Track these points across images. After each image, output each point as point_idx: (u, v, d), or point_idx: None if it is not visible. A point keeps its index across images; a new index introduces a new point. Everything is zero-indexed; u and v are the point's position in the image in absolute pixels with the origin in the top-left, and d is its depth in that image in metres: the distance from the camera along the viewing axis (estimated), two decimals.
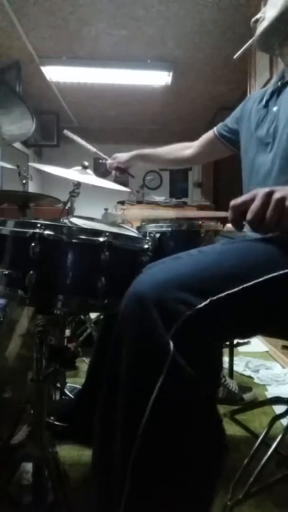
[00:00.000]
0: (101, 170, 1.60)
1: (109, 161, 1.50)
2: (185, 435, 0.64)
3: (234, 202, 0.69)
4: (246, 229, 1.10)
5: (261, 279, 0.70)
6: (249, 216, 0.67)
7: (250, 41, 1.02)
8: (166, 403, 0.62)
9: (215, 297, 0.66)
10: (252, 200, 0.67)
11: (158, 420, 0.62)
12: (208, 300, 0.65)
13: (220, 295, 0.66)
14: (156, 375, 0.61)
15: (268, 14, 0.95)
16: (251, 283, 0.69)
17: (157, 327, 0.62)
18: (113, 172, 1.50)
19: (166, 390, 0.61)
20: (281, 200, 0.64)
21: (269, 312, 0.75)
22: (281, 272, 0.72)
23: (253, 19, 1.00)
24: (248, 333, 0.79)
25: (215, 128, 1.29)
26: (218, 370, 0.72)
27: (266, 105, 1.03)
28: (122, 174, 1.50)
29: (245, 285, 0.69)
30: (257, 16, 0.99)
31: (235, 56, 1.09)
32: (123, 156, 1.46)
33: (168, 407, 0.62)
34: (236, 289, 0.68)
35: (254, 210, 0.66)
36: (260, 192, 0.66)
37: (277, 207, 0.65)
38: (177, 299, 0.64)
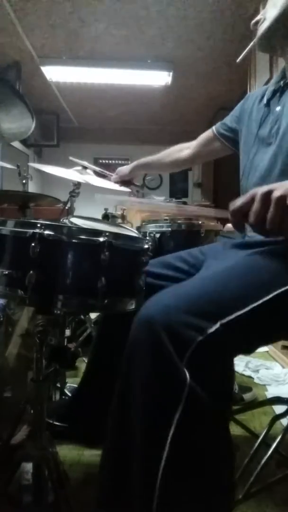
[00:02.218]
0: (101, 174, 1.61)
1: (113, 176, 1.51)
2: (205, 460, 0.64)
3: (233, 206, 0.67)
4: (246, 229, 1.10)
5: (268, 297, 0.70)
6: (251, 219, 0.65)
7: (252, 43, 1.02)
8: (186, 434, 0.61)
9: (224, 320, 0.65)
10: (251, 201, 0.65)
11: (179, 452, 0.61)
12: (218, 324, 0.65)
13: (230, 317, 0.66)
14: (174, 406, 0.61)
15: (268, 14, 0.94)
16: (259, 302, 0.69)
17: (170, 355, 0.61)
18: (120, 185, 1.50)
19: (185, 421, 0.61)
20: (281, 198, 0.62)
21: (279, 326, 0.75)
22: (286, 287, 0.72)
23: (252, 22, 1.00)
24: (258, 347, 0.79)
25: (214, 127, 1.28)
26: (230, 388, 0.72)
27: (268, 105, 1.03)
28: (127, 186, 1.51)
29: (253, 305, 0.69)
30: (257, 18, 0.99)
31: (238, 60, 1.09)
32: (124, 169, 1.47)
33: (188, 437, 0.62)
34: (245, 310, 0.68)
35: (255, 213, 0.64)
36: (259, 192, 0.64)
37: (278, 206, 0.62)
38: (188, 324, 0.63)
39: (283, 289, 0.72)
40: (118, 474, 0.69)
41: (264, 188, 0.64)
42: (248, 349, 0.77)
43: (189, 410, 0.61)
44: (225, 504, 0.67)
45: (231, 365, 0.74)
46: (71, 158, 1.55)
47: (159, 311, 0.66)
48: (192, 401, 0.61)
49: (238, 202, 0.66)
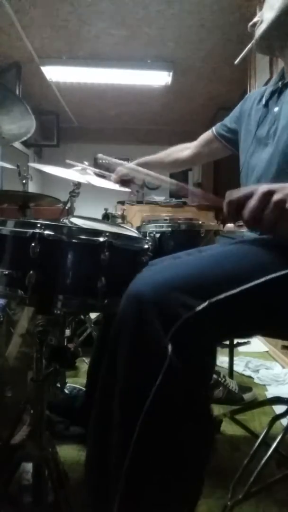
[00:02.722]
0: (101, 175, 1.60)
1: (112, 176, 1.51)
2: (179, 435, 0.65)
3: (230, 197, 0.67)
4: (245, 228, 1.10)
5: (259, 281, 0.70)
6: (246, 215, 0.65)
7: (250, 45, 1.02)
8: (162, 406, 0.62)
9: (213, 299, 0.66)
10: (249, 196, 0.65)
11: (153, 421, 0.62)
12: (206, 302, 0.65)
13: (219, 297, 0.66)
14: (153, 377, 0.61)
15: (266, 16, 0.94)
16: (250, 284, 0.69)
17: (155, 329, 0.62)
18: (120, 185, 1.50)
19: (162, 393, 0.61)
20: (281, 202, 0.62)
21: (268, 313, 0.75)
22: (280, 273, 0.72)
23: (250, 24, 1.00)
24: (246, 334, 0.79)
25: (213, 128, 1.29)
26: (211, 368, 0.72)
27: (266, 105, 1.03)
28: (127, 186, 1.50)
29: (243, 287, 0.68)
30: (254, 20, 0.99)
31: (236, 62, 1.09)
32: (124, 169, 1.46)
33: (164, 409, 0.63)
34: (235, 291, 0.68)
35: (251, 210, 0.64)
36: (259, 190, 0.64)
37: (276, 209, 0.62)
38: (177, 301, 0.64)
39: (274, 275, 0.71)
40: (99, 440, 0.70)
41: (265, 188, 0.64)
42: (233, 334, 0.77)
43: (167, 383, 0.61)
44: (193, 483, 0.68)
45: (214, 348, 0.74)
46: (67, 161, 1.54)
47: (149, 286, 0.66)
48: (170, 375, 0.61)
49: (236, 194, 0.66)
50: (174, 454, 0.64)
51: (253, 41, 1.00)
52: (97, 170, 1.57)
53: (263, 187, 0.64)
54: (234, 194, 0.67)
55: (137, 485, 0.63)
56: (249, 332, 0.81)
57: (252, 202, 0.64)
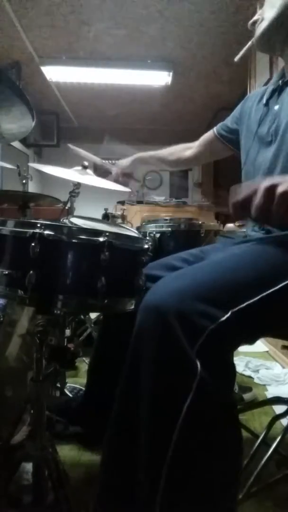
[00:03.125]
0: (101, 170, 1.60)
1: (113, 169, 1.50)
2: (214, 449, 0.63)
3: (235, 198, 0.66)
4: (245, 228, 1.10)
5: (278, 287, 0.70)
6: (254, 213, 0.64)
7: (250, 43, 1.02)
8: (196, 422, 0.61)
9: (235, 309, 0.65)
10: (253, 194, 0.64)
11: (188, 440, 0.61)
12: (229, 313, 0.64)
13: (240, 306, 0.66)
14: (184, 394, 0.60)
15: (267, 14, 0.94)
16: (269, 291, 0.69)
17: (181, 343, 0.60)
18: (120, 178, 1.49)
19: (195, 409, 0.60)
20: (286, 193, 0.61)
21: (286, 315, 0.75)
22: None
23: (250, 22, 1.00)
24: (265, 336, 0.79)
25: (214, 128, 1.29)
26: (235, 372, 0.72)
27: (267, 104, 1.03)
28: (127, 179, 1.50)
29: (264, 294, 0.68)
30: (254, 18, 0.99)
31: (235, 59, 1.09)
32: (125, 162, 1.46)
33: (198, 426, 0.61)
34: (255, 299, 0.67)
35: (259, 207, 0.63)
36: (262, 186, 0.63)
37: (283, 202, 0.62)
38: (199, 311, 0.62)
39: None
40: (123, 466, 0.68)
41: (267, 182, 0.63)
42: (253, 338, 0.77)
43: (199, 400, 0.60)
44: (230, 499, 0.67)
45: (232, 354, 0.74)
46: (69, 145, 1.54)
47: (170, 297, 0.64)
48: (202, 391, 0.60)
49: (240, 195, 0.66)
50: (212, 467, 0.63)
51: (253, 39, 0.99)
52: (98, 159, 1.57)
53: (265, 182, 0.64)
54: (238, 193, 0.66)
55: (176, 505, 0.61)
56: (268, 335, 0.81)
57: (258, 200, 0.63)
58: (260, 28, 0.96)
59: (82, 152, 1.54)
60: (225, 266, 0.75)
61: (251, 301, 0.67)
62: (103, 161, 1.57)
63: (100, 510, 0.71)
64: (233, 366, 0.70)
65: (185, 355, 0.60)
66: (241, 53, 1.07)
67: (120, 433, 0.69)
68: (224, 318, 0.63)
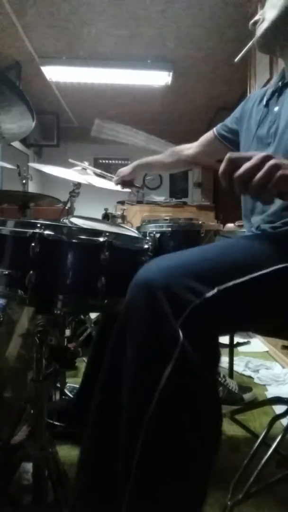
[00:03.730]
0: (102, 176, 1.61)
1: (114, 178, 1.51)
2: (191, 422, 0.65)
3: (230, 154, 0.68)
4: (245, 228, 1.10)
5: (267, 270, 0.71)
6: (239, 171, 0.66)
7: (250, 43, 1.01)
8: (174, 391, 0.62)
9: (222, 287, 0.66)
10: (248, 158, 0.66)
11: (165, 408, 0.62)
12: (215, 290, 0.65)
13: (227, 284, 0.67)
14: (165, 363, 0.61)
15: (267, 15, 0.94)
16: (258, 273, 0.70)
17: (166, 315, 0.62)
18: (120, 186, 1.50)
19: (174, 378, 0.62)
20: (274, 166, 0.64)
21: (274, 303, 0.75)
22: (286, 264, 0.72)
23: (251, 22, 0.99)
24: (252, 324, 0.79)
25: (214, 129, 1.29)
26: (219, 357, 0.73)
27: (267, 105, 1.03)
28: (128, 187, 1.50)
29: (251, 276, 0.69)
30: (255, 18, 0.98)
31: (236, 60, 1.09)
32: (125, 170, 1.46)
33: (176, 395, 0.63)
34: (243, 279, 0.68)
35: (245, 168, 0.65)
36: (259, 154, 0.66)
37: (269, 173, 0.64)
38: (186, 287, 0.64)
39: (282, 265, 0.72)
40: (105, 432, 0.69)
41: (265, 153, 0.66)
42: (241, 323, 0.77)
43: (179, 368, 0.61)
44: (202, 480, 0.67)
45: (220, 333, 0.74)
46: (70, 160, 1.54)
47: (158, 273, 0.66)
48: (182, 359, 0.61)
49: (237, 153, 0.69)
50: (186, 440, 0.64)
51: (254, 39, 0.99)
52: (98, 171, 1.57)
53: (264, 153, 0.66)
54: (234, 154, 0.68)
55: (151, 474, 0.63)
56: (255, 323, 0.81)
57: (249, 162, 0.65)
58: (261, 29, 0.96)
59: (81, 165, 1.54)
60: (217, 249, 0.77)
61: (239, 280, 0.68)
62: (102, 172, 1.58)
63: (82, 480, 0.72)
64: (217, 348, 0.70)
65: (168, 325, 0.62)
66: (241, 54, 1.07)
67: (105, 402, 0.70)
68: (209, 294, 0.64)
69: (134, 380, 0.65)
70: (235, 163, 0.67)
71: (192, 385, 0.64)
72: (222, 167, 0.69)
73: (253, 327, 0.86)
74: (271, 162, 0.65)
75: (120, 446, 0.65)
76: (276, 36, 0.95)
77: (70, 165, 1.53)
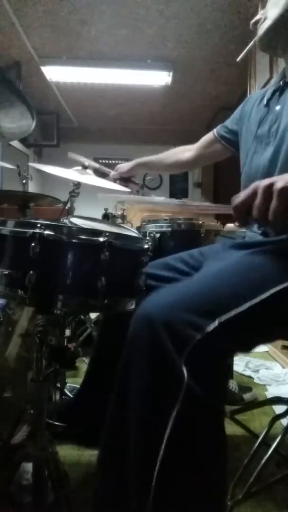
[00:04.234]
0: (100, 173, 1.60)
1: (112, 173, 1.51)
2: (201, 460, 0.64)
3: (235, 201, 0.67)
4: (245, 228, 1.10)
5: (266, 295, 0.70)
6: (254, 213, 0.65)
7: (251, 43, 1.01)
8: (182, 434, 0.61)
9: (223, 319, 0.65)
10: (253, 195, 0.65)
11: (175, 452, 0.61)
12: (216, 322, 0.64)
13: (228, 315, 0.66)
14: (171, 403, 0.60)
15: (270, 13, 0.93)
16: (257, 300, 0.69)
17: (169, 353, 0.61)
18: (117, 182, 1.49)
19: (182, 418, 0.61)
20: (284, 189, 0.62)
21: (277, 324, 0.75)
22: (284, 285, 0.72)
23: (252, 22, 0.99)
24: (256, 345, 0.79)
25: (215, 130, 1.29)
26: (226, 387, 0.72)
27: (267, 105, 1.03)
28: (126, 184, 1.50)
29: (251, 303, 0.68)
30: (257, 17, 0.98)
31: (238, 59, 1.09)
32: (124, 166, 1.46)
33: (185, 437, 0.62)
34: (243, 308, 0.67)
35: (258, 207, 0.64)
36: (261, 185, 0.64)
37: (281, 198, 0.62)
38: (185, 322, 0.63)
39: (280, 287, 0.72)
40: (114, 474, 0.68)
41: (266, 181, 0.64)
42: (246, 348, 0.77)
43: (186, 409, 0.60)
44: (219, 505, 0.67)
45: (226, 363, 0.74)
46: (70, 153, 1.54)
47: (158, 308, 0.66)
48: (189, 400, 0.60)
49: (240, 197, 0.67)
50: (198, 477, 0.63)
51: (256, 38, 0.98)
52: (97, 165, 1.57)
53: (264, 182, 0.64)
54: (238, 198, 0.67)
55: None
56: (259, 344, 0.81)
57: (258, 199, 0.64)
58: (263, 28, 0.95)
59: (81, 158, 1.54)
60: (213, 278, 0.75)
61: (239, 310, 0.67)
62: (100, 166, 1.57)
63: None
64: (224, 375, 0.70)
65: (172, 364, 0.61)
66: (243, 53, 1.07)
67: (112, 442, 0.70)
68: (211, 328, 0.64)
69: (141, 422, 0.64)
70: (244, 207, 0.66)
71: (200, 422, 0.63)
72: (234, 216, 0.68)
73: (259, 345, 0.86)
74: (278, 186, 0.63)
75: (131, 494, 0.64)
76: (278, 35, 0.94)
77: (70, 165, 1.52)
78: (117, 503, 0.67)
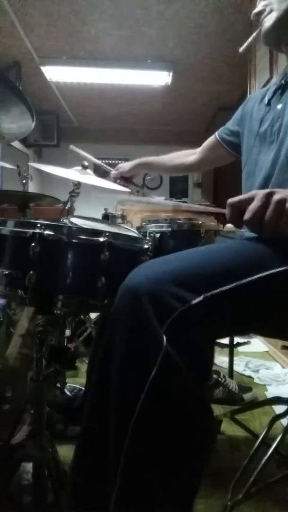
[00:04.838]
0: (101, 171, 1.60)
1: (113, 172, 1.50)
2: (176, 426, 0.65)
3: (232, 200, 0.69)
4: (245, 228, 1.10)
5: (255, 277, 0.70)
6: (247, 215, 0.67)
7: (255, 33, 0.98)
8: (158, 395, 0.62)
9: (208, 294, 0.66)
10: (251, 199, 0.67)
11: (150, 411, 0.62)
12: (202, 297, 0.65)
13: (214, 291, 0.66)
14: (149, 367, 0.62)
15: (277, 5, 0.90)
16: (245, 280, 0.69)
17: (150, 320, 0.62)
18: (118, 182, 1.49)
19: (158, 382, 0.62)
20: (281, 201, 0.65)
21: (263, 310, 0.75)
22: (275, 270, 0.72)
23: (254, 11, 0.95)
24: (241, 331, 0.79)
25: (216, 133, 1.29)
26: (208, 364, 0.72)
27: (269, 104, 1.03)
28: (127, 184, 1.50)
29: (239, 283, 0.69)
30: (259, 8, 0.95)
31: (240, 50, 1.05)
32: (126, 166, 1.46)
33: (160, 398, 0.63)
34: (230, 286, 0.68)
35: (252, 210, 0.66)
36: (260, 192, 0.67)
37: (277, 209, 0.65)
38: (171, 294, 0.64)
39: (269, 272, 0.72)
40: (94, 432, 0.70)
41: (266, 190, 0.67)
42: (229, 329, 0.77)
43: (163, 371, 0.61)
44: (194, 472, 0.67)
45: (211, 341, 0.74)
46: (71, 147, 1.54)
47: (145, 279, 0.66)
48: (167, 364, 0.61)
49: (238, 197, 0.69)
50: (171, 444, 0.64)
51: (261, 27, 0.95)
52: (98, 162, 1.57)
53: (264, 190, 0.67)
54: (235, 198, 0.69)
55: (136, 476, 0.63)
56: (244, 329, 0.81)
57: (254, 203, 0.66)
58: (270, 20, 0.92)
59: (82, 153, 1.54)
60: (205, 255, 0.76)
61: (226, 288, 0.67)
62: (102, 163, 1.57)
63: (73, 484, 0.72)
64: (208, 354, 0.70)
65: (152, 331, 0.62)
66: (246, 43, 1.03)
67: (95, 406, 0.71)
68: (195, 301, 0.64)
69: (120, 384, 0.65)
70: (239, 207, 0.68)
71: (177, 389, 0.64)
72: (227, 214, 0.70)
73: (244, 331, 0.86)
74: (276, 197, 0.65)
75: (108, 449, 0.65)
76: (285, 29, 0.92)
77: (70, 165, 1.52)
78: (95, 465, 0.68)
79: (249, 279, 0.69)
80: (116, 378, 0.66)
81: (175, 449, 0.65)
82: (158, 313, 0.63)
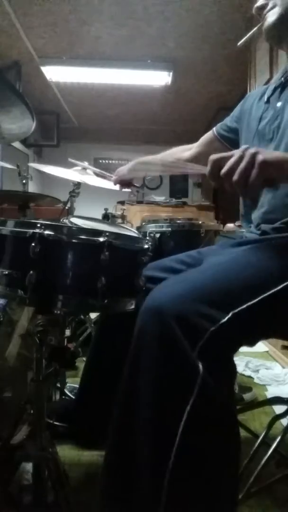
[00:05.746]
0: (101, 175, 1.61)
1: (113, 177, 1.50)
2: (216, 451, 0.63)
3: (212, 156, 0.69)
4: (244, 229, 1.10)
5: (278, 287, 0.70)
6: (224, 169, 0.66)
7: (255, 28, 0.97)
8: (197, 425, 0.60)
9: (236, 310, 0.65)
10: (230, 156, 0.67)
11: (191, 443, 0.60)
12: (230, 314, 0.64)
13: (241, 307, 0.66)
14: (186, 397, 0.59)
15: (280, 1, 0.88)
16: (269, 292, 0.69)
17: (182, 345, 0.60)
18: (119, 187, 1.49)
19: (196, 412, 0.60)
20: (254, 154, 0.65)
21: (286, 317, 0.75)
22: None
23: (256, 5, 0.93)
24: (266, 338, 0.79)
25: (214, 128, 1.28)
26: (235, 373, 0.72)
27: (268, 101, 1.03)
28: (127, 187, 1.49)
29: (264, 295, 0.68)
30: (261, 2, 0.92)
31: (239, 43, 1.05)
32: (125, 169, 1.45)
33: (200, 428, 0.61)
34: (256, 300, 0.67)
35: (229, 164, 0.66)
36: (246, 151, 0.67)
37: (250, 162, 0.64)
38: (199, 314, 0.62)
39: None
40: (124, 472, 0.67)
41: (252, 149, 0.66)
42: (252, 341, 0.76)
43: (201, 403, 0.59)
44: (231, 502, 0.67)
45: (233, 358, 0.74)
46: (70, 159, 1.54)
47: (169, 300, 0.64)
48: (203, 394, 0.59)
49: (219, 154, 0.69)
50: (212, 471, 0.63)
51: (263, 22, 0.93)
52: (97, 170, 1.57)
53: (249, 149, 0.67)
54: (216, 155, 0.69)
55: (181, 504, 0.61)
56: (269, 337, 0.81)
57: (231, 159, 0.66)
58: (273, 15, 0.90)
59: (81, 164, 1.53)
60: (225, 269, 0.75)
61: (252, 302, 0.67)
62: (101, 171, 1.57)
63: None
64: (234, 366, 0.69)
65: (186, 358, 0.60)
66: (245, 37, 1.02)
67: (121, 439, 0.69)
68: (225, 320, 0.63)
69: (154, 419, 0.62)
70: (219, 163, 0.68)
71: (215, 415, 0.62)
72: (207, 169, 0.69)
73: (268, 338, 0.85)
74: (251, 150, 0.66)
75: (142, 487, 0.63)
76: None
77: (70, 165, 1.53)
78: (127, 503, 0.66)
79: (273, 290, 0.69)
80: (146, 411, 0.63)
81: (216, 470, 0.63)
82: (188, 335, 0.61)
